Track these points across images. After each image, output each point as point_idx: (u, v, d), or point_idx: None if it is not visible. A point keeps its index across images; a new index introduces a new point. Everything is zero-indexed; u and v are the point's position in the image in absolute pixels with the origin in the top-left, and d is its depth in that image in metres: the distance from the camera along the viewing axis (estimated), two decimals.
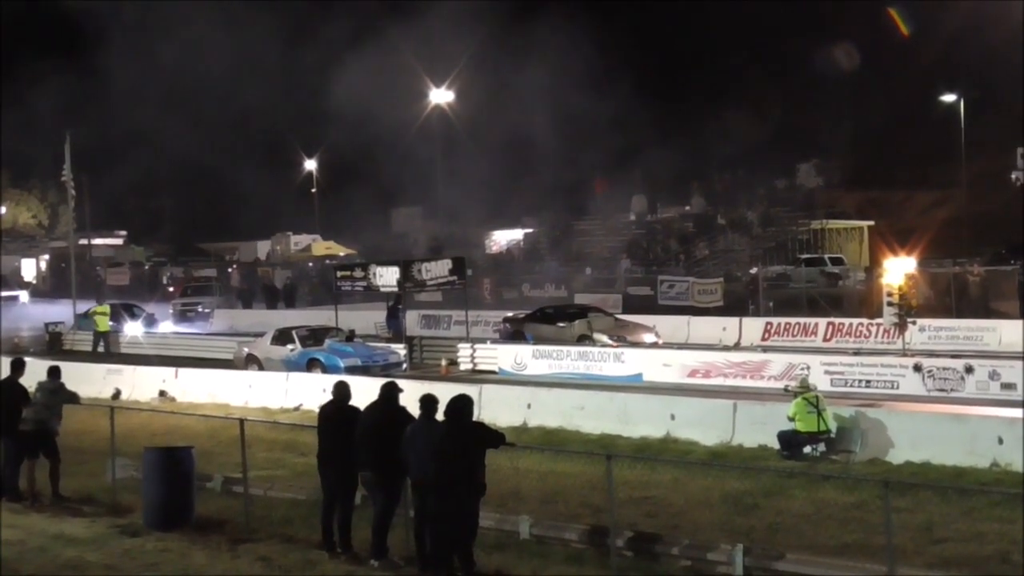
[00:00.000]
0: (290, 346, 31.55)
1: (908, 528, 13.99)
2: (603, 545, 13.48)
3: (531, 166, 68.83)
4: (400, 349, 32.72)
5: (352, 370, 28.95)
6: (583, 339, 33.14)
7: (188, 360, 34.82)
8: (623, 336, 33.24)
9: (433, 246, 67.41)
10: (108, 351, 39.48)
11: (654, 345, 33.02)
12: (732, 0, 74.92)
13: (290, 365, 30.49)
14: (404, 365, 31.94)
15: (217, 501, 16.73)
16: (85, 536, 15.33)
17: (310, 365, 30.55)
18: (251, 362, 32.10)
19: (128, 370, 31.27)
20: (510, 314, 37.85)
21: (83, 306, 47.24)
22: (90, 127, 63.77)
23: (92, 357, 37.26)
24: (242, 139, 77.88)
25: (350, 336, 32.94)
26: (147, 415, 23.73)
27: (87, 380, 27.30)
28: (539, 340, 33.22)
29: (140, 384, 29.89)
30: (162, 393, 29.18)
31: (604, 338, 32.82)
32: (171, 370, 30.58)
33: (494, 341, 34.49)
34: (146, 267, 75.66)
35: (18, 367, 17.92)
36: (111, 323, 41.41)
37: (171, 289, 60.14)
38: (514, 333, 35.43)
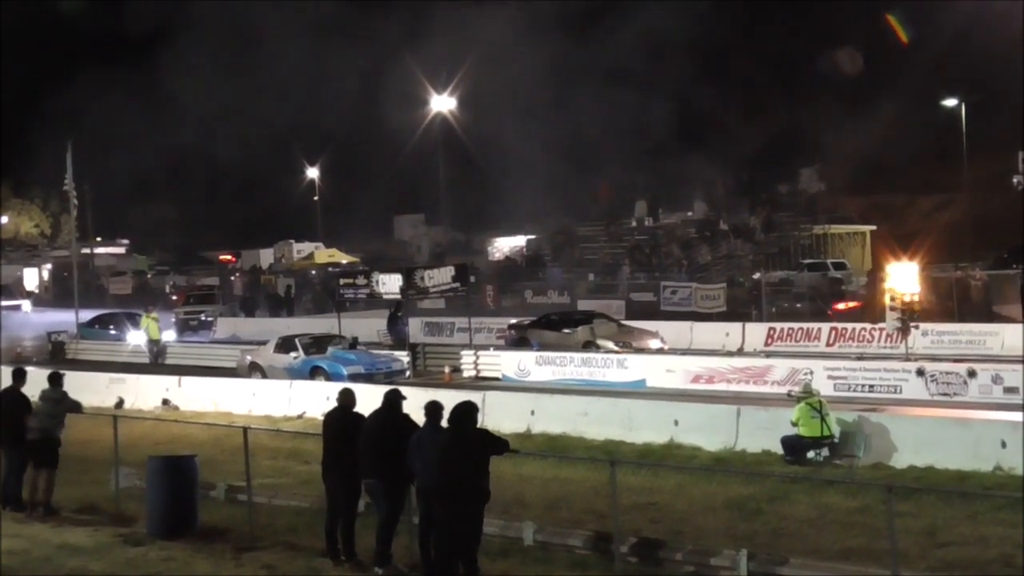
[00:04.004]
0: (293, 354, 31.46)
1: (911, 532, 13.99)
2: (607, 551, 13.48)
3: (534, 172, 68.96)
4: (403, 356, 32.61)
5: (355, 378, 28.80)
6: (588, 345, 32.97)
7: (192, 368, 34.80)
8: (628, 342, 33.05)
9: (436, 253, 67.52)
10: (160, 360, 39.18)
11: (660, 351, 32.91)
12: (734, 5, 75.00)
13: (293, 373, 30.40)
14: (407, 372, 31.87)
15: (221, 509, 16.73)
16: (89, 545, 15.33)
17: (313, 373, 30.41)
18: (254, 370, 31.99)
19: (131, 379, 31.24)
20: (515, 321, 37.82)
21: (85, 315, 47.28)
22: (93, 136, 64.06)
23: (152, 368, 36.75)
24: (245, 147, 78.04)
25: (353, 344, 32.85)
26: (151, 424, 23.73)
27: (90, 389, 27.25)
28: (544, 347, 33.15)
29: (143, 393, 29.87)
30: (165, 402, 29.17)
31: (609, 344, 32.67)
32: (174, 379, 30.57)
33: (497, 348, 34.47)
34: (148, 276, 75.68)
35: (19, 376, 17.88)
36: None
37: (174, 298, 60.08)
38: (519, 340, 35.31)
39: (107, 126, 76.46)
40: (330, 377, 29.66)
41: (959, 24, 60.21)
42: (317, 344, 31.97)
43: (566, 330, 34.43)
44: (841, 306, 41.16)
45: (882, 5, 69.61)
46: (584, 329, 34.05)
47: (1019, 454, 17.59)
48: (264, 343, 33.98)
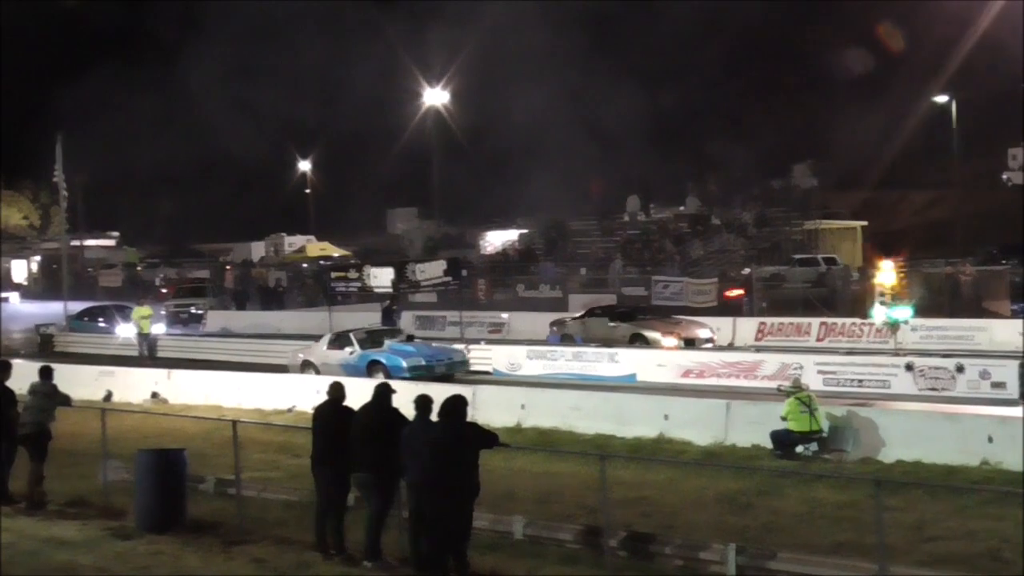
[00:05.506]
0: (349, 349, 30.01)
1: (900, 527, 14.01)
2: (597, 545, 13.50)
3: (527, 166, 68.98)
4: (463, 348, 31.51)
5: (415, 370, 28.24)
6: (635, 338, 32.31)
7: (182, 362, 34.74)
8: (677, 333, 32.15)
9: (429, 247, 67.47)
10: (152, 355, 38.63)
11: (709, 341, 32.17)
12: (727, 2, 75.07)
13: (349, 369, 28.82)
14: (468, 364, 30.68)
15: (210, 503, 16.71)
16: (77, 539, 15.30)
17: (371, 368, 29.11)
18: (307, 368, 30.56)
19: (120, 372, 31.20)
20: (557, 317, 37.13)
21: (74, 307, 47.18)
22: (84, 129, 63.96)
23: (141, 362, 36.39)
24: (238, 140, 77.99)
25: (410, 337, 31.75)
26: (139, 417, 23.70)
27: (79, 382, 27.16)
28: (588, 341, 32.48)
29: (132, 386, 29.81)
30: (154, 395, 29.13)
31: (657, 336, 31.95)
32: (164, 371, 30.52)
33: (488, 342, 34.44)
34: (138, 268, 75.45)
35: (4, 369, 17.78)
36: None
37: (164, 290, 59.99)
38: (563, 336, 34.67)
39: (98, 118, 76.37)
40: (389, 372, 28.35)
41: (952, 22, 60.34)
42: (372, 338, 30.62)
43: (611, 324, 33.80)
44: (732, 293, 41.70)
45: (876, 3, 69.74)
46: (631, 323, 33.34)
47: (1005, 448, 17.66)
48: (316, 338, 32.55)
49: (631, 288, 47.54)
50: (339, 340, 30.71)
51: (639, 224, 61.56)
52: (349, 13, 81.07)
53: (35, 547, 14.96)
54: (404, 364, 28.79)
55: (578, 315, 36.13)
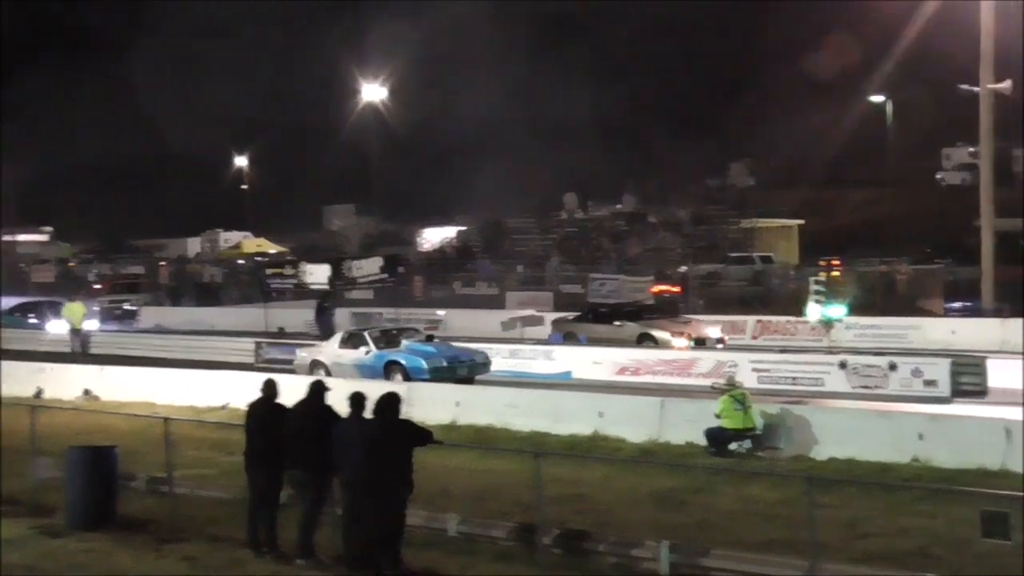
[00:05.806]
0: (363, 348, 28.08)
1: (833, 524, 14.11)
2: (531, 542, 13.50)
3: (465, 163, 68.98)
4: (487, 349, 29.46)
5: (437, 371, 26.65)
6: (643, 338, 31.50)
7: (115, 358, 34.27)
8: (687, 334, 31.39)
9: (366, 244, 67.28)
10: (84, 351, 37.41)
11: (720, 341, 31.58)
12: (667, 3, 75.54)
13: (364, 370, 27.24)
14: (491, 365, 28.58)
15: (143, 501, 16.53)
16: (5, 537, 15.02)
17: (388, 369, 27.35)
18: (317, 368, 28.41)
19: (52, 368, 30.68)
20: (558, 316, 36.24)
21: (5, 303, 46.42)
22: (16, 121, 63.03)
23: (72, 358, 35.21)
24: (175, 135, 77.28)
25: (429, 336, 29.98)
26: (71, 414, 23.31)
27: (9, 378, 26.78)
28: (593, 341, 31.77)
29: (64, 383, 29.30)
30: (86, 392, 28.69)
31: (666, 336, 31.25)
32: (96, 368, 30.08)
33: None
34: (71, 263, 74.42)
35: None
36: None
37: (98, 286, 59.20)
38: (565, 335, 33.65)
39: (33, 112, 75.35)
40: (408, 373, 26.87)
41: (889, 23, 61.05)
42: (387, 337, 28.82)
43: (617, 323, 32.84)
44: (655, 288, 41.95)
45: (815, 4, 70.45)
46: (639, 322, 32.56)
47: (935, 445, 17.90)
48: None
49: (568, 285, 47.64)
50: (352, 339, 28.94)
51: (576, 222, 61.83)
52: (290, 9, 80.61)
53: None
54: (425, 365, 27.04)
55: (581, 313, 35.20)
